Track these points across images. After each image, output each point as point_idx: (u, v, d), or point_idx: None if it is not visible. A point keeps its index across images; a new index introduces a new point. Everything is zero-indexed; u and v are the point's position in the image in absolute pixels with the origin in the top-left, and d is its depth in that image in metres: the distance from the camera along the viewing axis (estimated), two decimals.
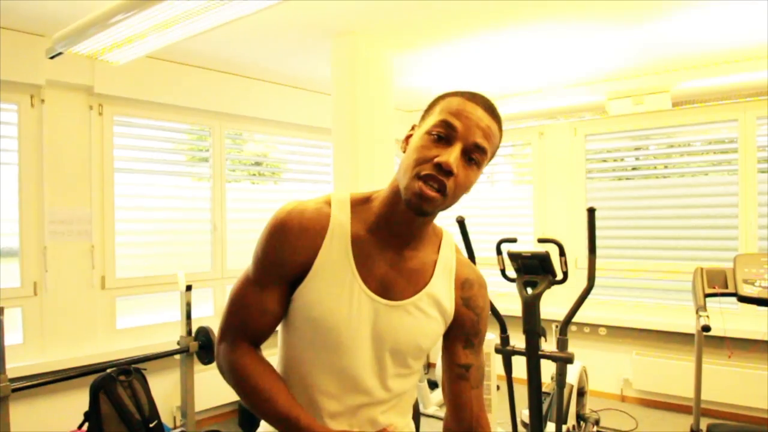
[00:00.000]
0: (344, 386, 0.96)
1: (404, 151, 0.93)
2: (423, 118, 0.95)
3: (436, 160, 0.85)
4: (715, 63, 3.45)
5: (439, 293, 0.99)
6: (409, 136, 0.95)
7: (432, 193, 0.85)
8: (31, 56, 2.77)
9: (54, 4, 2.43)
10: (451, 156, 0.85)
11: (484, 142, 0.89)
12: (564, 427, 2.65)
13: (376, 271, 0.94)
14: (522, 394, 2.42)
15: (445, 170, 0.85)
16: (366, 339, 0.94)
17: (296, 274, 0.93)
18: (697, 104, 3.24)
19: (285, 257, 0.92)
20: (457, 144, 0.87)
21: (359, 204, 0.97)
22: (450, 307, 1.00)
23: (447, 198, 0.87)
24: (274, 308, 0.95)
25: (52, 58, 2.18)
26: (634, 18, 2.72)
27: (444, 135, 0.87)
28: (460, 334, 1.03)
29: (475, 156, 0.88)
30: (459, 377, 1.03)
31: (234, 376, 0.93)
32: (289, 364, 1.01)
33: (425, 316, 0.97)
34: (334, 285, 0.93)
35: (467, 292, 1.02)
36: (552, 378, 3.26)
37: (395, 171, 0.96)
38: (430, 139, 0.88)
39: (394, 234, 0.95)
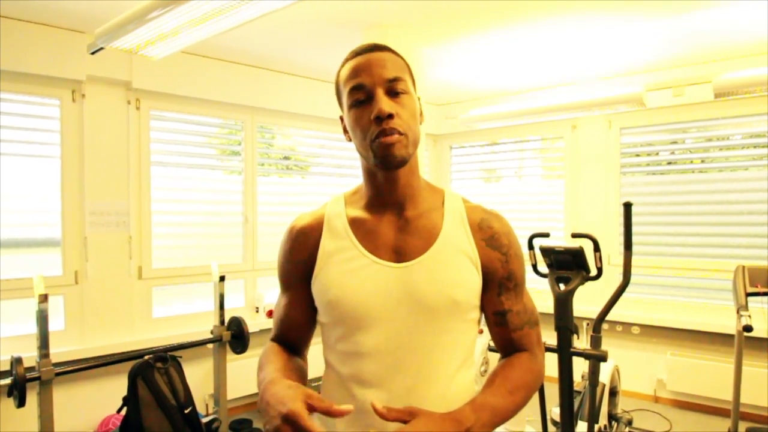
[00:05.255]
0: (382, 370, 0.92)
1: (350, 140, 0.99)
2: (340, 104, 1.00)
3: (372, 116, 0.90)
4: (760, 53, 3.30)
5: (456, 239, 0.96)
6: (344, 128, 1.00)
7: (392, 138, 0.89)
8: (72, 52, 2.86)
9: (94, 2, 2.50)
10: (379, 104, 0.89)
11: (392, 72, 0.92)
12: (596, 427, 2.60)
13: (384, 241, 0.95)
14: (552, 392, 2.38)
15: (384, 117, 0.89)
16: (394, 310, 0.92)
17: (308, 272, 0.98)
18: (740, 95, 3.10)
19: (292, 261, 1.01)
20: (376, 92, 0.91)
21: (352, 195, 1.04)
22: (473, 251, 0.96)
23: (406, 134, 0.91)
24: (294, 311, 1.02)
25: (93, 53, 2.25)
26: (673, 8, 2.62)
27: (362, 97, 0.92)
28: (493, 280, 0.97)
29: (396, 87, 0.92)
30: (496, 324, 1.00)
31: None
32: (327, 365, 1.02)
33: (449, 266, 0.94)
34: (343, 267, 0.95)
35: (486, 231, 0.98)
36: (582, 377, 3.21)
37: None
38: (356, 111, 0.93)
39: (389, 202, 0.97)
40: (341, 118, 1.01)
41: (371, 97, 0.91)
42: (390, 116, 0.89)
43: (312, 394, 0.77)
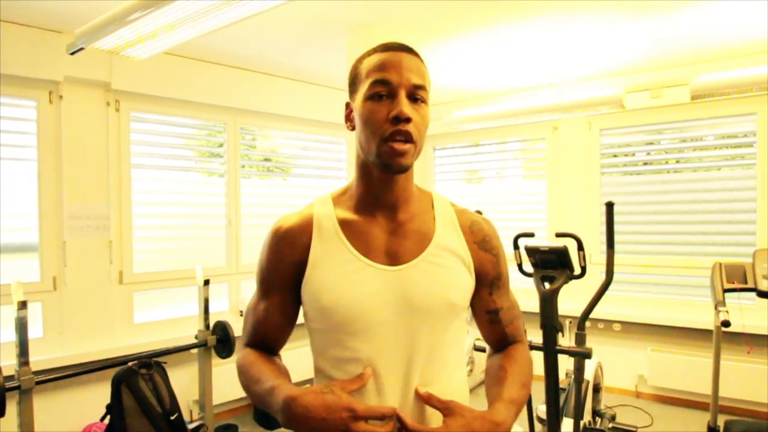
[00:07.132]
0: (379, 375, 0.90)
1: (353, 129, 0.96)
2: (352, 91, 0.97)
3: (391, 115, 0.88)
4: (736, 56, 3.41)
5: (449, 242, 0.97)
6: (349, 114, 0.98)
7: (404, 147, 0.89)
8: (49, 53, 2.79)
9: (72, 2, 2.45)
10: (402, 105, 0.88)
11: (420, 80, 0.92)
12: (580, 423, 2.64)
13: (376, 243, 0.94)
14: (538, 389, 2.41)
15: (403, 119, 0.88)
16: (390, 314, 0.90)
17: (295, 276, 0.95)
18: (716, 97, 3.19)
19: (279, 263, 0.96)
20: (399, 92, 0.89)
21: (340, 195, 1.01)
22: (465, 253, 0.97)
23: (416, 143, 0.91)
24: (277, 314, 0.99)
25: (73, 53, 2.20)
26: (652, 10, 2.69)
27: (384, 92, 0.90)
28: (485, 280, 1.00)
29: (418, 94, 0.91)
30: (490, 322, 1.04)
31: (238, 373, 1.00)
32: (318, 371, 0.98)
33: (443, 268, 0.94)
34: (336, 271, 0.92)
35: (478, 234, 1.00)
36: (566, 374, 3.25)
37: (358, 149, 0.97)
38: (373, 104, 0.90)
39: (381, 204, 0.96)
40: (347, 105, 0.99)
41: (393, 96, 0.90)
42: (408, 120, 0.88)
43: (346, 385, 0.85)
